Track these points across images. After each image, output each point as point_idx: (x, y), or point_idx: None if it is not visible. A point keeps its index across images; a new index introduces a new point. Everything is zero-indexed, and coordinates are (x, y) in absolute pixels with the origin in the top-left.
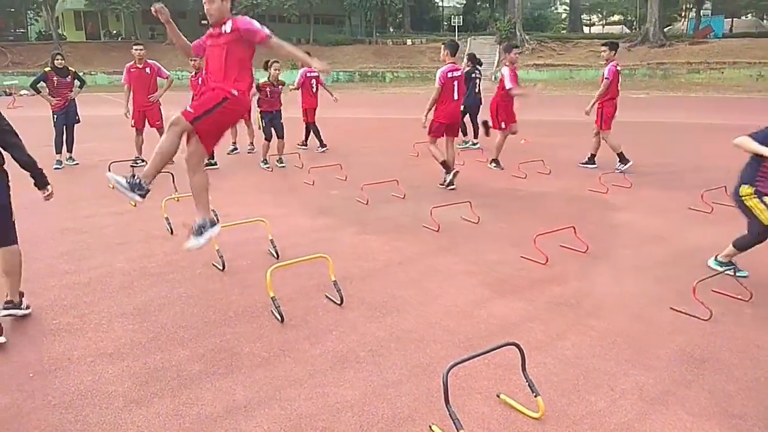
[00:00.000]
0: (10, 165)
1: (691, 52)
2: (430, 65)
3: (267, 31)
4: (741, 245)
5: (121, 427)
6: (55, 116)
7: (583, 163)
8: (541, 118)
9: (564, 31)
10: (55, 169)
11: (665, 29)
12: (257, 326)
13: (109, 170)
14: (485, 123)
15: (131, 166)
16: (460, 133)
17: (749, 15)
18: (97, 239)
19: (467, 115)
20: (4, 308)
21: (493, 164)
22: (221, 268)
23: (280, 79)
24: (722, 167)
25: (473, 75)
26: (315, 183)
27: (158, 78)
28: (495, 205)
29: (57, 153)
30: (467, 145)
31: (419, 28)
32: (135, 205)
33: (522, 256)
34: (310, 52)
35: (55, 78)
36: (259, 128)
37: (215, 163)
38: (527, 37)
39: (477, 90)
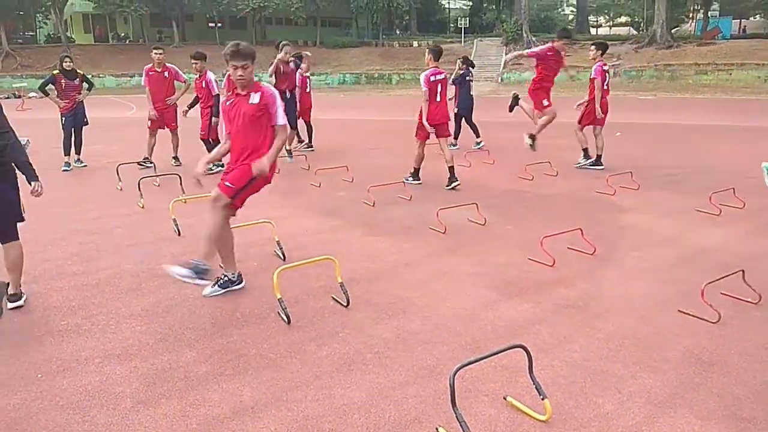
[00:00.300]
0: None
1: (698, 53)
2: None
3: (282, 120)
4: None
5: (128, 428)
6: (64, 118)
7: (589, 165)
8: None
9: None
10: (64, 171)
11: (673, 30)
12: (264, 328)
13: (173, 269)
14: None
15: (139, 166)
16: (453, 135)
17: (757, 16)
18: (106, 241)
19: (463, 119)
20: (11, 301)
21: (529, 140)
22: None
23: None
24: (730, 169)
25: (467, 78)
26: (321, 185)
27: (176, 81)
28: (502, 207)
29: (65, 155)
30: (477, 147)
31: (426, 30)
32: (143, 207)
33: (529, 258)
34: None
35: (63, 81)
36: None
37: (222, 165)
38: (534, 38)
39: (470, 92)
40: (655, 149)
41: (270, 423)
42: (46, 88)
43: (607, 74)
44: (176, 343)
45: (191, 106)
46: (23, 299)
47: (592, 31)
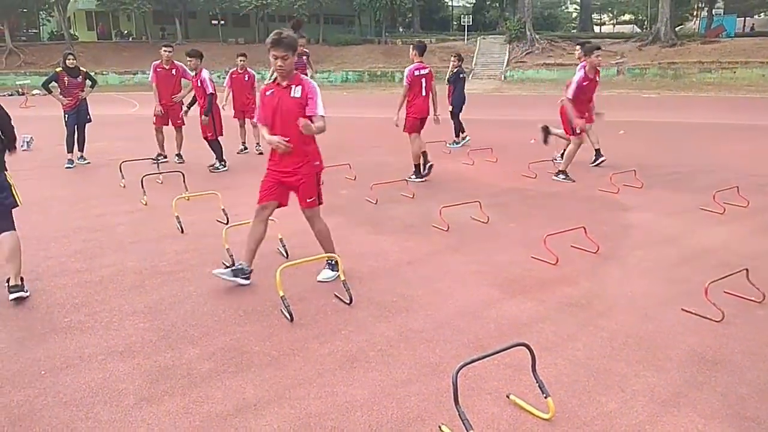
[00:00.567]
0: (9, 160)
1: (702, 51)
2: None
3: (322, 111)
4: None
5: (131, 425)
6: (67, 116)
7: (592, 163)
8: (552, 117)
9: (574, 31)
10: (67, 168)
11: (677, 28)
12: (267, 325)
13: (223, 271)
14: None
15: (153, 162)
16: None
17: (762, 14)
18: (109, 238)
19: (458, 115)
20: (13, 292)
21: (562, 176)
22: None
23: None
24: (734, 167)
25: (461, 75)
26: (324, 183)
27: (182, 79)
28: (505, 205)
29: (69, 152)
30: (463, 143)
31: (429, 28)
32: (146, 204)
33: (532, 256)
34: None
35: (66, 78)
36: None
37: (225, 165)
38: (537, 36)
39: (464, 89)
40: (659, 147)
41: (273, 420)
42: (49, 85)
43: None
44: (179, 341)
45: (190, 105)
46: (27, 291)
47: (596, 29)
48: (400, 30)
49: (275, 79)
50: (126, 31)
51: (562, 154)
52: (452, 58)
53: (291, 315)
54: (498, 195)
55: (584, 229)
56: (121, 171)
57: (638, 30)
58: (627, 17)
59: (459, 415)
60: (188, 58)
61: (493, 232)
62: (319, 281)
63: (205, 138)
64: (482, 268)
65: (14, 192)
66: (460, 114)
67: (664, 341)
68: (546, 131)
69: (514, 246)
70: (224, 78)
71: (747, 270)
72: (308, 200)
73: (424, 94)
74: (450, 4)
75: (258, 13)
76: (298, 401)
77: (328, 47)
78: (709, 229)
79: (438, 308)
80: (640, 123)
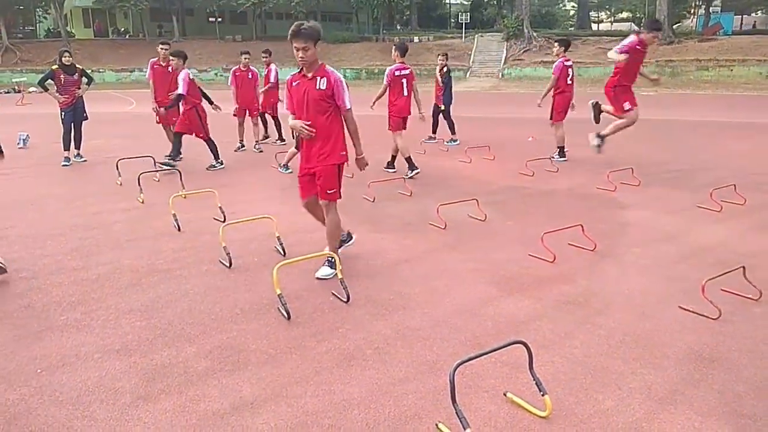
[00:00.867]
0: (6, 157)
1: (700, 49)
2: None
3: (349, 105)
4: None
5: (128, 423)
6: (63, 113)
7: (551, 157)
8: (549, 115)
9: (572, 29)
10: (63, 165)
11: (674, 26)
12: (264, 323)
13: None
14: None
15: (168, 158)
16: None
17: (759, 12)
18: (106, 236)
19: (440, 113)
20: None
21: (597, 140)
22: (228, 265)
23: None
24: (731, 165)
25: (451, 74)
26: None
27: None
28: (502, 203)
29: (65, 150)
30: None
31: (426, 26)
32: (142, 202)
33: (529, 254)
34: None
35: (62, 75)
36: (292, 137)
37: (222, 163)
38: (535, 34)
39: (452, 88)
40: (656, 145)
41: (270, 418)
42: (46, 83)
43: (570, 70)
44: (176, 339)
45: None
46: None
47: (594, 26)
48: (398, 28)
49: (301, 69)
50: (123, 29)
51: (560, 153)
52: (440, 58)
53: (288, 313)
54: (495, 193)
55: (582, 226)
56: (117, 169)
57: (636, 28)
58: (625, 15)
59: (456, 412)
60: (171, 58)
61: (490, 230)
62: (317, 278)
63: (186, 133)
64: (479, 266)
65: None
66: (444, 112)
67: (661, 339)
68: (597, 108)
69: (511, 244)
70: (221, 76)
71: (744, 268)
72: (328, 192)
73: (405, 94)
74: (447, 1)
75: (255, 11)
76: (295, 399)
77: (326, 45)
78: (706, 227)
79: (435, 306)
80: (637, 121)
